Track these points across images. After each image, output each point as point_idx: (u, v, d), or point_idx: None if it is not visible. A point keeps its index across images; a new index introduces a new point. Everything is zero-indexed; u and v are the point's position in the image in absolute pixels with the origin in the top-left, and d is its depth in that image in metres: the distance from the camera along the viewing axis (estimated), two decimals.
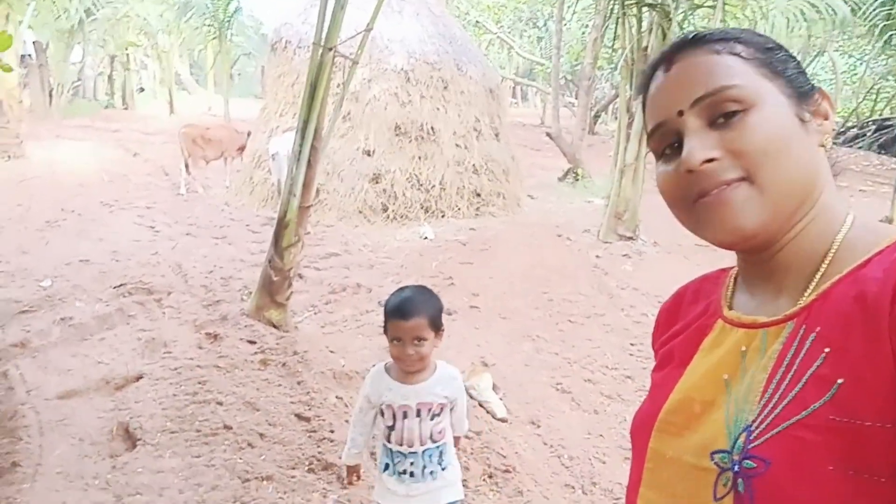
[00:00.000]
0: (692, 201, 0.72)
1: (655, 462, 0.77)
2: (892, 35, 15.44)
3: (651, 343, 0.97)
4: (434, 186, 8.21)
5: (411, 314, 1.92)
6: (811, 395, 0.62)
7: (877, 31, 16.03)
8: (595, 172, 11.27)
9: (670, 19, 6.53)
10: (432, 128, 8.31)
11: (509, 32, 19.90)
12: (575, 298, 5.54)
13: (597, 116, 17.88)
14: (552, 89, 12.60)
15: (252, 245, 6.78)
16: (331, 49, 4.31)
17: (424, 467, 2.02)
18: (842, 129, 20.62)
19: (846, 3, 14.06)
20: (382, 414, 2.03)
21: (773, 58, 0.74)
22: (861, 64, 20.53)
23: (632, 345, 4.76)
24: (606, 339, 4.85)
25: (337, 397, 3.67)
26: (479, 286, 5.74)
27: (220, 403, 3.52)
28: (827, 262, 0.71)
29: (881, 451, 0.57)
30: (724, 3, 6.90)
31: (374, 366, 2.16)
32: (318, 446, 3.13)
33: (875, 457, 0.57)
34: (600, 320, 5.16)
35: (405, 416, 1.99)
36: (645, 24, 6.84)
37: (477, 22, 18.07)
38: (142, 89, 26.34)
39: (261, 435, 3.18)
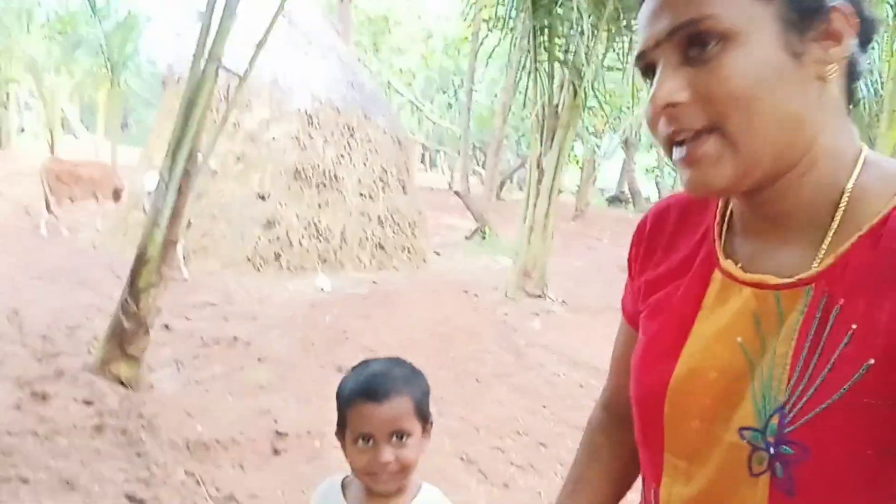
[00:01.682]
0: (669, 143, 0.67)
1: (675, 429, 0.72)
2: None
3: (628, 257, 0.89)
4: (334, 236, 7.63)
5: (388, 393, 1.26)
6: (841, 376, 0.60)
7: None
8: (502, 234, 11.08)
9: (582, 76, 6.47)
10: (335, 175, 7.81)
11: (420, 97, 20.05)
12: (481, 357, 5.05)
13: (502, 183, 18.08)
14: (461, 148, 12.52)
15: (115, 291, 5.86)
16: (214, 62, 3.75)
17: None
18: None
19: None
20: None
21: None
22: None
23: (544, 407, 4.29)
24: (516, 401, 4.35)
25: (187, 473, 2.93)
26: (376, 342, 5.14)
27: (26, 481, 2.70)
28: (839, 214, 0.65)
29: None
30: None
31: (320, 484, 1.44)
32: None
33: None
34: (509, 381, 4.68)
35: None
36: (557, 81, 6.76)
37: (389, 83, 18.08)
38: (22, 129, 24.31)
39: None
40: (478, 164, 17.21)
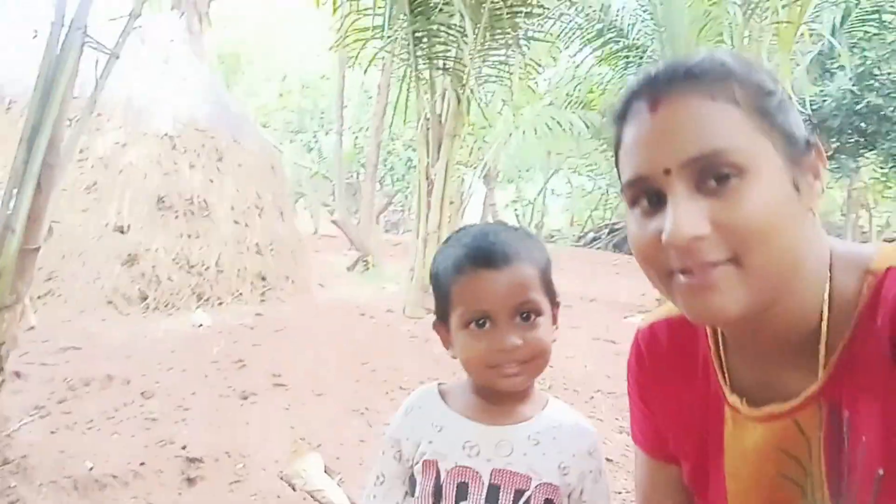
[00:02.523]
0: (670, 272, 0.68)
1: None
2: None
3: (629, 387, 0.91)
4: (208, 268, 6.89)
5: (508, 257, 0.94)
6: (866, 488, 0.62)
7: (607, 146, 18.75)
8: (385, 263, 10.76)
9: (463, 84, 6.46)
10: (205, 201, 7.11)
11: (279, 139, 19.38)
12: (401, 366, 4.67)
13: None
14: (337, 178, 12.13)
15: None
16: (79, 30, 3.17)
17: None
18: (582, 234, 23.43)
19: (580, 119, 16.18)
20: (412, 485, 1.02)
21: (770, 105, 0.66)
22: (590, 180, 23.86)
23: None
24: None
25: None
26: (279, 366, 4.58)
27: None
28: (825, 326, 0.68)
29: None
30: (510, 79, 7.10)
31: (411, 395, 1.11)
32: None
33: None
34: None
35: (461, 494, 0.97)
36: (438, 90, 6.70)
37: None
38: None
39: None
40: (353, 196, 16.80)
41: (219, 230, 7.15)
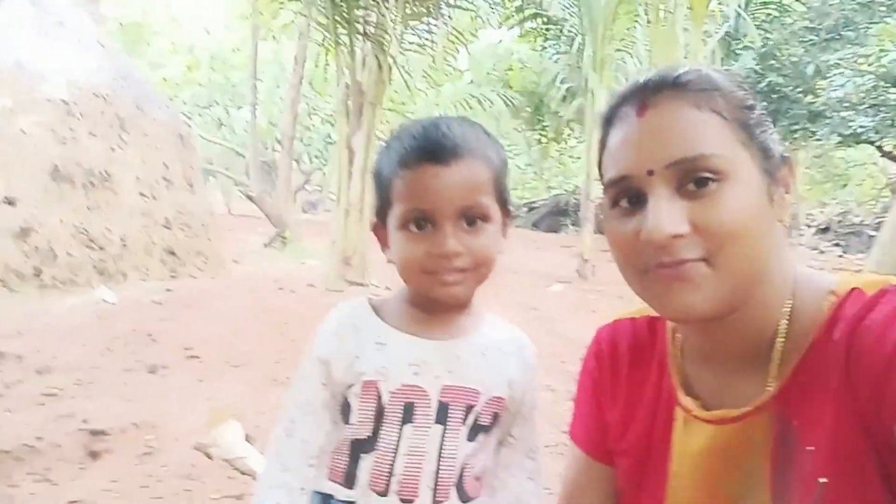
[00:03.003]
0: (646, 269, 0.70)
1: None
2: (539, 130, 18.43)
3: (581, 384, 0.92)
4: (112, 243, 6.43)
5: (457, 151, 0.84)
6: (808, 496, 0.64)
7: (525, 125, 19.02)
8: (304, 240, 10.46)
9: (385, 50, 6.30)
10: (107, 172, 6.61)
11: (187, 114, 18.42)
12: None
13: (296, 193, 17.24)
14: (251, 150, 11.63)
15: None
16: None
17: None
18: None
19: (499, 97, 16.31)
20: (345, 411, 0.90)
21: (751, 119, 0.70)
22: (510, 159, 24.06)
23: None
24: None
25: None
26: (192, 339, 4.33)
27: None
28: (781, 339, 0.70)
29: None
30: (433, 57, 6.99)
31: (335, 310, 0.97)
32: None
33: None
34: None
35: (407, 416, 0.88)
36: (358, 56, 6.51)
37: None
38: None
39: None
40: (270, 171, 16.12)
41: (123, 203, 6.68)
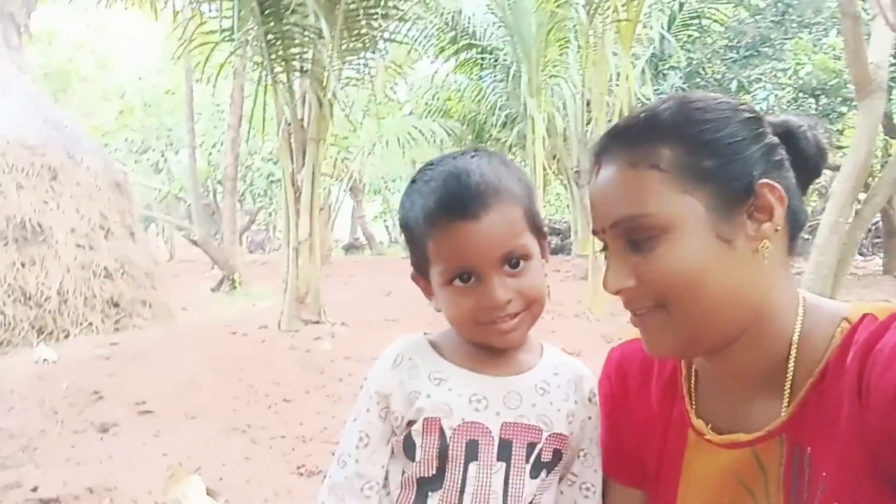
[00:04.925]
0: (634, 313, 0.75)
1: None
2: None
3: (603, 410, 0.91)
4: (49, 298, 6.13)
5: (485, 201, 0.81)
6: None
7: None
8: (253, 282, 10.22)
9: (324, 86, 6.30)
10: (39, 225, 6.34)
11: (123, 164, 17.91)
12: (281, 379, 4.40)
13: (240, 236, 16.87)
14: (192, 193, 11.33)
15: None
16: None
17: None
18: None
19: (441, 127, 16.49)
20: (409, 448, 0.86)
21: (701, 160, 0.68)
22: None
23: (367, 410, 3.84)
24: (336, 409, 3.84)
25: None
26: (143, 393, 4.14)
27: None
28: (791, 364, 0.70)
29: None
30: (373, 81, 7.03)
31: (392, 347, 0.92)
32: None
33: None
34: (321, 392, 4.14)
35: (470, 454, 0.84)
36: (298, 94, 6.48)
37: None
38: None
39: None
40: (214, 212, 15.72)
41: (58, 256, 6.40)
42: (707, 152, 0.69)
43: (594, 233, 0.76)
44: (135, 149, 18.15)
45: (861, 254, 12.56)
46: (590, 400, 0.93)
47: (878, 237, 12.03)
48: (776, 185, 0.69)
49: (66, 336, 6.10)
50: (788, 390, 0.70)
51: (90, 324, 6.33)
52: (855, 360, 0.64)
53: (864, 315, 0.69)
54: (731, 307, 0.69)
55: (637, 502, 0.89)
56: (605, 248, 0.77)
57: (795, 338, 0.70)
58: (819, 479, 0.64)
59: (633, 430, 0.87)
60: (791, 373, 0.70)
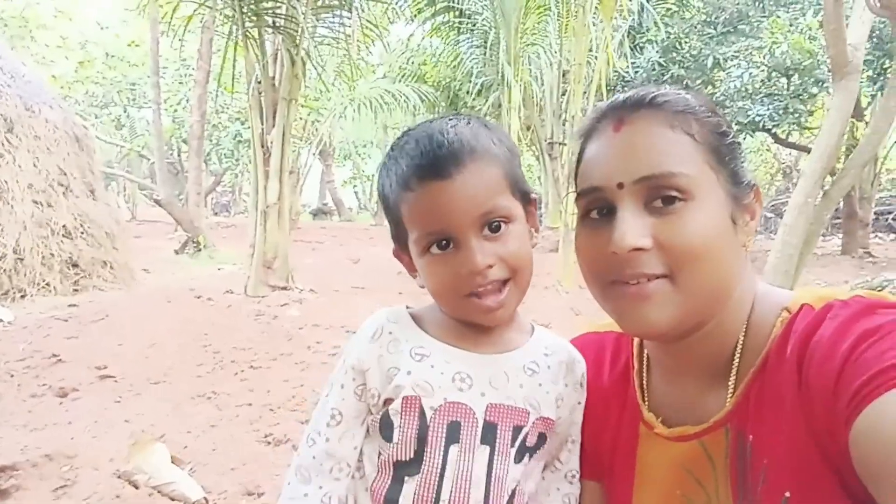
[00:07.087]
0: (609, 281, 0.72)
1: None
2: None
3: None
4: (4, 257, 5.91)
5: (460, 159, 0.76)
6: None
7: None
8: (218, 244, 10.00)
9: (297, 43, 6.09)
10: None
11: (83, 118, 17.21)
12: (248, 346, 4.33)
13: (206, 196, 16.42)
14: (156, 152, 10.97)
15: None
16: None
17: None
18: None
19: (414, 92, 16.22)
20: (386, 429, 0.81)
21: (723, 144, 0.72)
22: None
23: None
24: (306, 376, 3.79)
25: None
26: (104, 357, 4.03)
27: None
28: (738, 352, 0.72)
29: None
30: (348, 41, 6.83)
31: (371, 319, 0.87)
32: None
33: None
34: (289, 360, 4.08)
35: (452, 436, 0.79)
36: (269, 51, 6.26)
37: None
38: None
39: None
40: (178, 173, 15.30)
41: (14, 212, 6.16)
42: (724, 141, 0.72)
43: (595, 189, 0.72)
44: (96, 102, 17.46)
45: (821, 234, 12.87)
46: (581, 384, 0.89)
47: (838, 218, 12.31)
48: (758, 188, 0.75)
49: (23, 296, 5.90)
50: (733, 381, 0.71)
51: (48, 284, 6.13)
52: (794, 351, 0.65)
53: (802, 305, 0.70)
54: (726, 289, 0.70)
55: (596, 495, 0.88)
56: (588, 213, 0.74)
57: (743, 326, 0.72)
58: (760, 466, 0.65)
59: (586, 423, 0.87)
60: (737, 363, 0.71)
